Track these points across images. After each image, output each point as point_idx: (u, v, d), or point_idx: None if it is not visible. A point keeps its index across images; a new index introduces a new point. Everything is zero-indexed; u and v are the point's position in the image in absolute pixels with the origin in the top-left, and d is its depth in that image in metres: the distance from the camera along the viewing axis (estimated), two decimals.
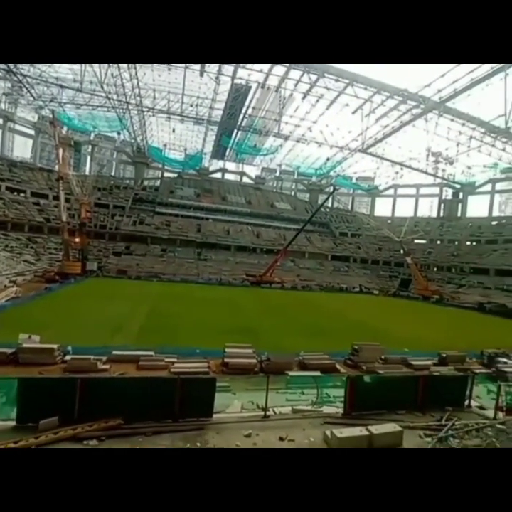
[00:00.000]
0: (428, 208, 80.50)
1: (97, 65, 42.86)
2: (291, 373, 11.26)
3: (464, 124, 53.13)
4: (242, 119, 61.27)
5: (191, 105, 56.25)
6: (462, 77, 42.27)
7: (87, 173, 66.68)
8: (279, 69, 45.71)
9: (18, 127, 62.14)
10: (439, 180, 73.80)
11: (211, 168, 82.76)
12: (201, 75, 47.67)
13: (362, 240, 72.36)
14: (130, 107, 55.47)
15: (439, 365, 13.83)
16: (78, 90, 50.03)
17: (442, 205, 77.36)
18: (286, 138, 65.19)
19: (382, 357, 13.79)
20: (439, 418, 7.65)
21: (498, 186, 69.72)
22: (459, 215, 73.71)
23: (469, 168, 66.57)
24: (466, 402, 8.71)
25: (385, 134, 58.74)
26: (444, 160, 64.78)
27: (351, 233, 74.19)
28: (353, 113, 54.16)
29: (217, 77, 48.51)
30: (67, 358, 10.94)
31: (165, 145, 75.36)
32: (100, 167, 73.98)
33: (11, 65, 42.55)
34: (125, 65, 43.95)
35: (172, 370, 10.68)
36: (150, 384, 7.19)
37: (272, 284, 45.80)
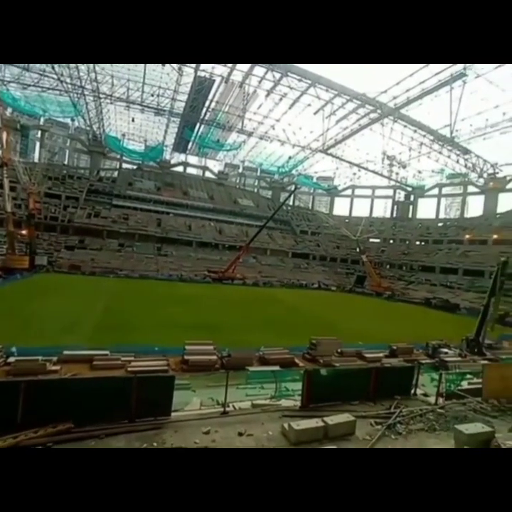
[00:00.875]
0: (383, 209, 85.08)
1: None
2: (251, 369, 11.37)
3: (415, 131, 56.73)
4: (206, 113, 60.29)
5: (152, 95, 54.20)
6: (414, 87, 45.10)
7: (36, 160, 61.74)
8: (243, 64, 45.52)
9: None
10: (393, 183, 78.27)
11: (173, 161, 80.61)
12: (163, 64, 46.05)
13: (321, 238, 74.69)
14: (85, 93, 52.15)
15: (390, 356, 14.73)
16: (25, 69, 46.07)
17: (395, 207, 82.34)
18: (250, 134, 65.27)
19: (339, 350, 14.39)
20: (389, 406, 8.16)
21: (444, 190, 75.62)
22: (410, 216, 78.88)
23: (420, 172, 71.36)
24: (413, 391, 9.38)
25: (344, 136, 61.00)
26: (398, 164, 68.81)
27: (311, 231, 76.26)
28: (315, 114, 55.53)
29: (179, 68, 47.18)
30: (11, 359, 10.15)
31: (123, 135, 71.94)
32: (52, 155, 68.72)
33: None
34: None
35: (129, 369, 10.32)
36: (104, 384, 6.86)
37: (233, 281, 45.84)
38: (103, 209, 57.39)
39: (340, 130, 59.78)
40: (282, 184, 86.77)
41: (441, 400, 8.88)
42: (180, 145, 73.48)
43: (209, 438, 6.26)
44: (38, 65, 45.20)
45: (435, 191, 76.59)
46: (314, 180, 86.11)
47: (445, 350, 16.06)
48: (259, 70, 46.49)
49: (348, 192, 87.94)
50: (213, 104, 57.86)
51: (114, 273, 41.70)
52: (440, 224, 70.27)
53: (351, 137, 61.15)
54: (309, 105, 53.83)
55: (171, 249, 55.01)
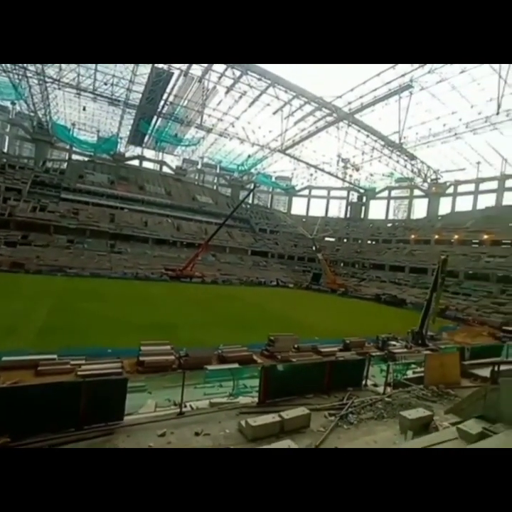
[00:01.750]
0: (337, 209, 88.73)
1: None
2: (209, 367, 11.27)
3: (368, 136, 59.82)
4: (163, 106, 58.37)
5: (105, 83, 51.25)
6: (367, 94, 47.48)
7: None
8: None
9: None
10: (347, 185, 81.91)
11: (128, 154, 76.91)
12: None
13: (279, 237, 76.04)
14: (28, 74, 47.86)
15: (344, 350, 15.41)
16: None
17: (349, 207, 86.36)
18: (209, 130, 64.41)
19: (296, 346, 14.76)
20: (342, 398, 8.54)
21: (393, 193, 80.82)
22: (362, 216, 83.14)
23: (371, 175, 75.49)
24: (364, 382, 9.91)
25: (302, 137, 62.54)
26: (352, 166, 72.13)
27: (270, 230, 77.30)
28: (274, 114, 56.26)
29: None
30: None
31: (73, 124, 67.21)
32: None
33: None
34: None
35: (79, 373, 9.70)
36: (47, 391, 6.33)
37: (192, 279, 45.10)
38: (50, 202, 53.28)
39: (298, 131, 61.15)
40: (241, 182, 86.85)
41: (389, 390, 9.47)
42: (136, 138, 70.39)
43: (164, 440, 6.10)
44: None
45: (385, 193, 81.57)
46: (273, 179, 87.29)
47: (393, 342, 17.18)
48: (218, 66, 45.97)
49: (305, 192, 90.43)
50: (171, 98, 56.21)
51: (63, 271, 38.96)
52: (389, 224, 74.96)
53: (308, 139, 62.86)
54: (268, 105, 54.38)
55: (125, 247, 52.61)
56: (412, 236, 61.97)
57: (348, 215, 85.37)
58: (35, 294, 23.97)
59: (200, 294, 33.69)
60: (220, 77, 48.90)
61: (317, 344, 15.57)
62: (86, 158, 72.55)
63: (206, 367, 11.26)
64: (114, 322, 17.80)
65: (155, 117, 61.98)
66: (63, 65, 46.74)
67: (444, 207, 69.48)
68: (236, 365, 11.49)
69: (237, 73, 46.89)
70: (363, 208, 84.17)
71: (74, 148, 72.04)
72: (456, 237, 54.29)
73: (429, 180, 68.61)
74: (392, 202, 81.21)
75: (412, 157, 63.07)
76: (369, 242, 71.29)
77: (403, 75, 42.48)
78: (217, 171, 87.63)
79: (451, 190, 68.68)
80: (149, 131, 66.94)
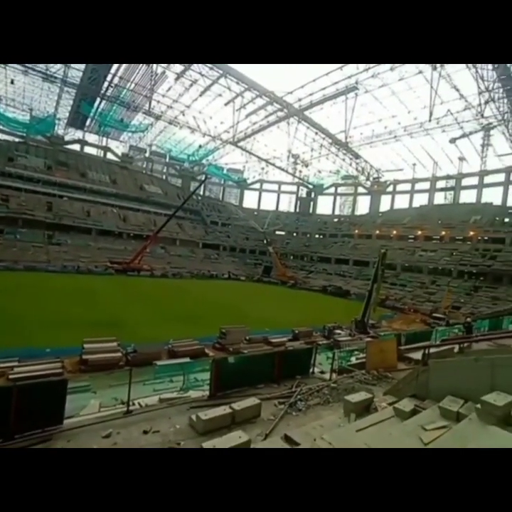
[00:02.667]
0: (288, 204, 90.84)
1: None
2: (159, 363, 10.99)
3: (317, 133, 61.86)
4: (107, 88, 54.48)
5: None
6: (317, 92, 48.97)
7: None
8: None
9: None
10: (296, 180, 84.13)
11: (67, 138, 70.39)
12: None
13: (231, 230, 75.91)
14: None
15: (293, 340, 16.00)
16: None
17: (298, 202, 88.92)
18: (158, 117, 61.70)
19: (247, 338, 14.96)
20: (291, 386, 8.85)
21: (339, 190, 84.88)
22: (311, 211, 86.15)
23: (320, 171, 78.45)
24: (311, 370, 10.37)
25: (253, 130, 62.74)
26: (301, 162, 74.22)
27: (222, 222, 76.77)
28: (226, 105, 55.57)
29: None
30: None
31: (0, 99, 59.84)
32: None
33: None
34: None
35: (11, 376, 8.84)
36: None
37: (140, 272, 43.28)
38: None
39: (250, 124, 61.20)
40: (192, 173, 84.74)
41: (334, 376, 10.03)
42: (77, 120, 64.87)
43: (110, 441, 5.80)
44: None
45: (332, 190, 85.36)
46: (225, 171, 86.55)
47: (338, 331, 18.22)
48: None
49: (257, 185, 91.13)
50: (117, 80, 52.66)
51: None
52: (335, 220, 78.73)
53: (260, 132, 63.28)
54: (220, 95, 53.56)
55: (65, 238, 48.60)
56: (356, 231, 65.82)
57: (297, 210, 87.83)
58: None
59: (150, 288, 32.47)
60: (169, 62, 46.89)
61: (268, 335, 15.95)
62: (17, 140, 65.15)
63: (155, 362, 10.96)
64: (53, 319, 16.44)
65: (98, 99, 57.66)
66: None
67: (385, 204, 74.89)
68: (186, 360, 11.32)
69: None
70: (312, 203, 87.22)
71: (2, 128, 64.22)
72: (394, 232, 58.81)
73: (371, 178, 73.23)
74: (338, 198, 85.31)
75: (357, 156, 66.67)
76: (317, 236, 74.21)
77: (349, 77, 44.51)
78: (167, 160, 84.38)
79: (391, 188, 74.08)
80: (92, 114, 62.17)
